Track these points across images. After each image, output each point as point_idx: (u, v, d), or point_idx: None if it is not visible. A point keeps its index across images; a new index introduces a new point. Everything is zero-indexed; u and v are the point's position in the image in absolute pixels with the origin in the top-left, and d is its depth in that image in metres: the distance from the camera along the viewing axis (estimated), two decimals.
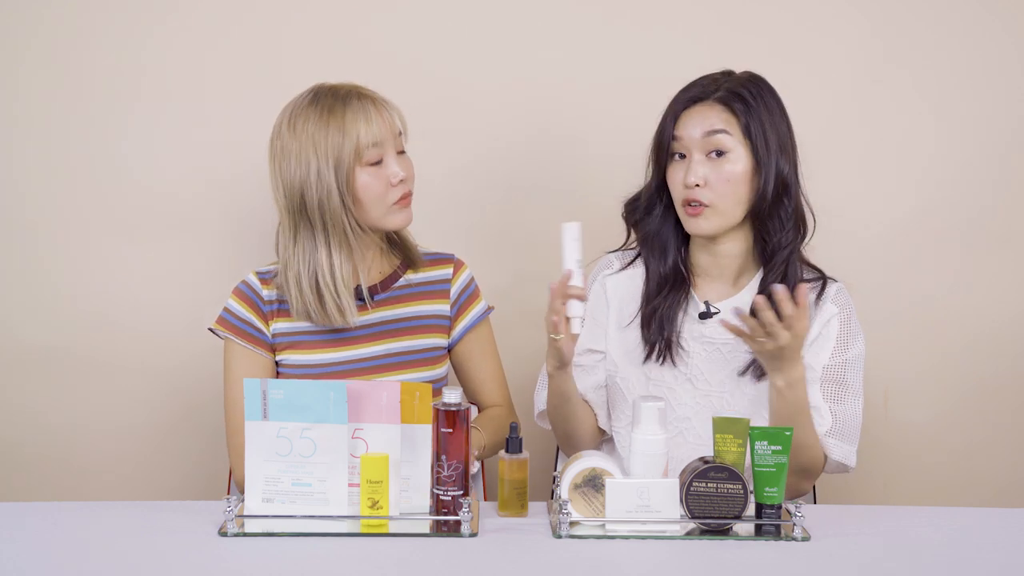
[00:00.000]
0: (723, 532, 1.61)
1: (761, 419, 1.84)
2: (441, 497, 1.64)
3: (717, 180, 1.83)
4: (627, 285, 1.97)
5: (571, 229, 1.73)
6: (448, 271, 2.06)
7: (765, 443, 1.62)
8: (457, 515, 1.62)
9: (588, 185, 2.39)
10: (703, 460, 1.63)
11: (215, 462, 2.33)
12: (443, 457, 1.64)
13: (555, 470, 2.13)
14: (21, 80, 2.39)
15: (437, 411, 1.64)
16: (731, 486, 1.60)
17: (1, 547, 1.56)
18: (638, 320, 1.93)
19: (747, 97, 1.84)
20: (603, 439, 1.98)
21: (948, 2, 2.40)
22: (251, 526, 1.61)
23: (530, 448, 1.75)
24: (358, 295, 1.97)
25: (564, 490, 1.63)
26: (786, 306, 1.64)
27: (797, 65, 2.38)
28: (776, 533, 1.61)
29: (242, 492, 1.74)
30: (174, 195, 2.41)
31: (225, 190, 2.41)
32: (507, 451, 1.70)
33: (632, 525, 1.61)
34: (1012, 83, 2.42)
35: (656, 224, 1.93)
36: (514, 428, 1.71)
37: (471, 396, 2.09)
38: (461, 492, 1.64)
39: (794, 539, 1.59)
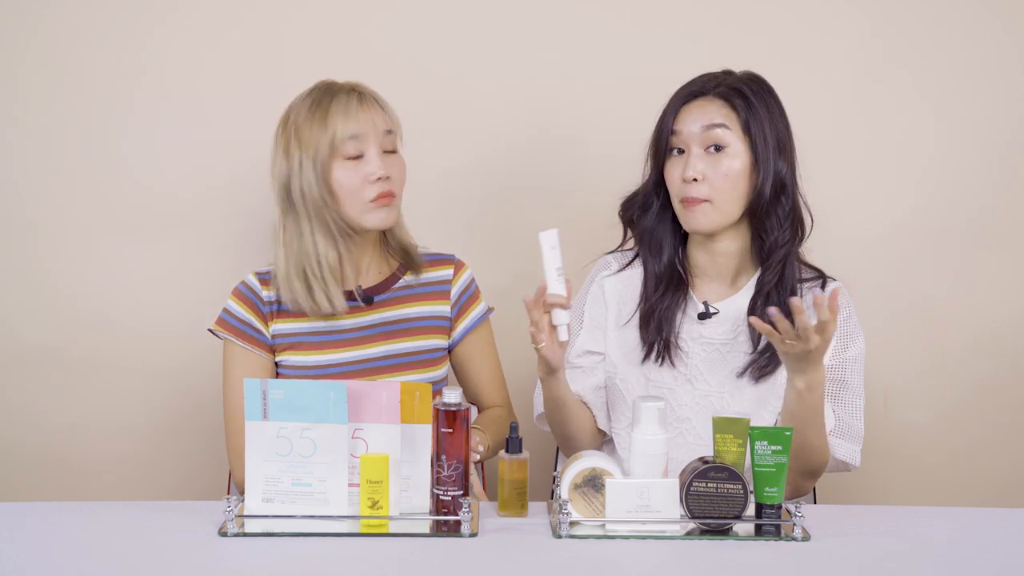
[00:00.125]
0: (723, 532, 1.61)
1: (761, 419, 1.84)
2: (441, 497, 1.64)
3: (715, 175, 1.82)
4: (625, 285, 1.97)
5: (549, 237, 1.71)
6: (448, 272, 2.06)
7: (765, 443, 1.62)
8: (457, 515, 1.62)
9: (588, 185, 2.40)
10: (703, 460, 1.63)
11: (215, 462, 2.33)
12: (443, 457, 1.64)
13: (555, 470, 2.13)
14: (21, 80, 2.39)
15: (437, 411, 1.64)
16: (731, 486, 1.60)
17: (1, 547, 1.56)
18: (636, 320, 1.93)
19: (747, 94, 1.84)
20: (603, 440, 1.98)
21: (948, 2, 2.40)
22: (251, 526, 1.61)
23: (530, 448, 1.75)
24: (355, 296, 1.97)
25: (564, 490, 1.63)
26: (823, 312, 1.62)
27: (797, 65, 2.38)
28: (776, 533, 1.61)
29: (242, 493, 1.74)
30: (174, 195, 2.42)
31: (225, 190, 2.41)
32: (507, 451, 1.70)
33: (632, 525, 1.60)
34: (1012, 83, 2.42)
35: (653, 221, 1.93)
36: (514, 428, 1.71)
37: (471, 397, 2.09)
38: (461, 492, 1.64)
39: (794, 539, 1.59)
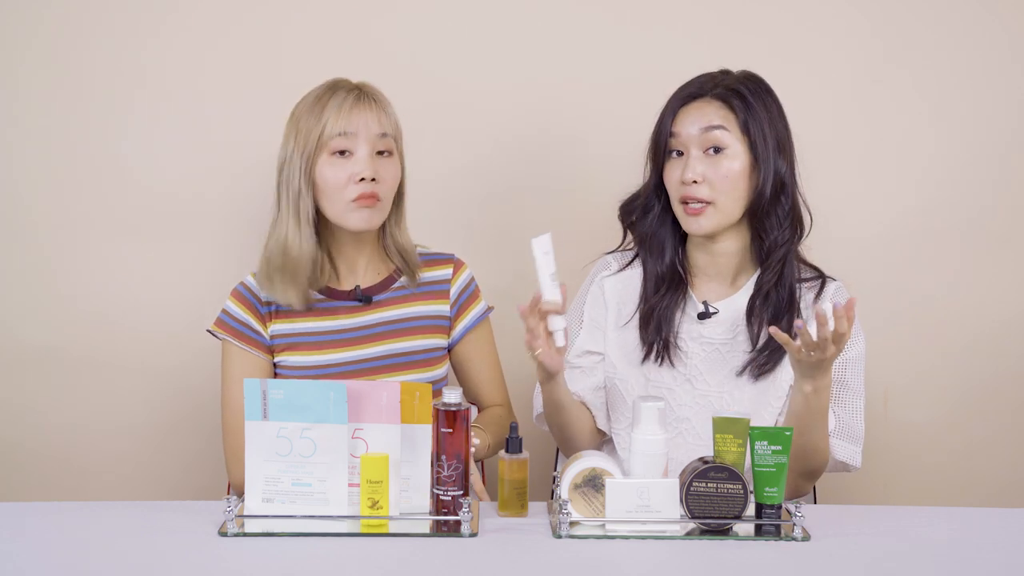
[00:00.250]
0: (723, 532, 1.61)
1: (761, 419, 1.84)
2: (441, 497, 1.64)
3: (715, 177, 1.82)
4: (625, 286, 1.97)
5: (541, 243, 1.69)
6: (448, 271, 2.06)
7: (765, 443, 1.61)
8: (457, 515, 1.62)
9: (588, 185, 2.39)
10: (703, 460, 1.63)
11: (215, 462, 2.33)
12: (443, 457, 1.64)
13: (555, 470, 2.13)
14: (21, 80, 2.39)
15: (437, 411, 1.64)
16: (731, 486, 1.60)
17: (1, 547, 1.56)
18: (636, 321, 1.93)
19: (745, 94, 1.84)
20: (603, 440, 1.98)
21: (948, 2, 2.40)
22: (251, 526, 1.61)
23: (530, 448, 1.75)
24: (353, 296, 1.97)
25: (564, 490, 1.63)
26: (842, 324, 1.62)
27: (797, 65, 2.38)
28: (776, 533, 1.61)
29: (240, 495, 1.73)
30: (174, 195, 2.41)
31: (225, 190, 2.41)
32: (507, 451, 1.70)
33: (632, 525, 1.60)
34: (1012, 83, 2.42)
35: (654, 224, 1.93)
36: (514, 428, 1.71)
37: (471, 396, 2.08)
38: (461, 492, 1.64)
39: (794, 539, 1.59)
